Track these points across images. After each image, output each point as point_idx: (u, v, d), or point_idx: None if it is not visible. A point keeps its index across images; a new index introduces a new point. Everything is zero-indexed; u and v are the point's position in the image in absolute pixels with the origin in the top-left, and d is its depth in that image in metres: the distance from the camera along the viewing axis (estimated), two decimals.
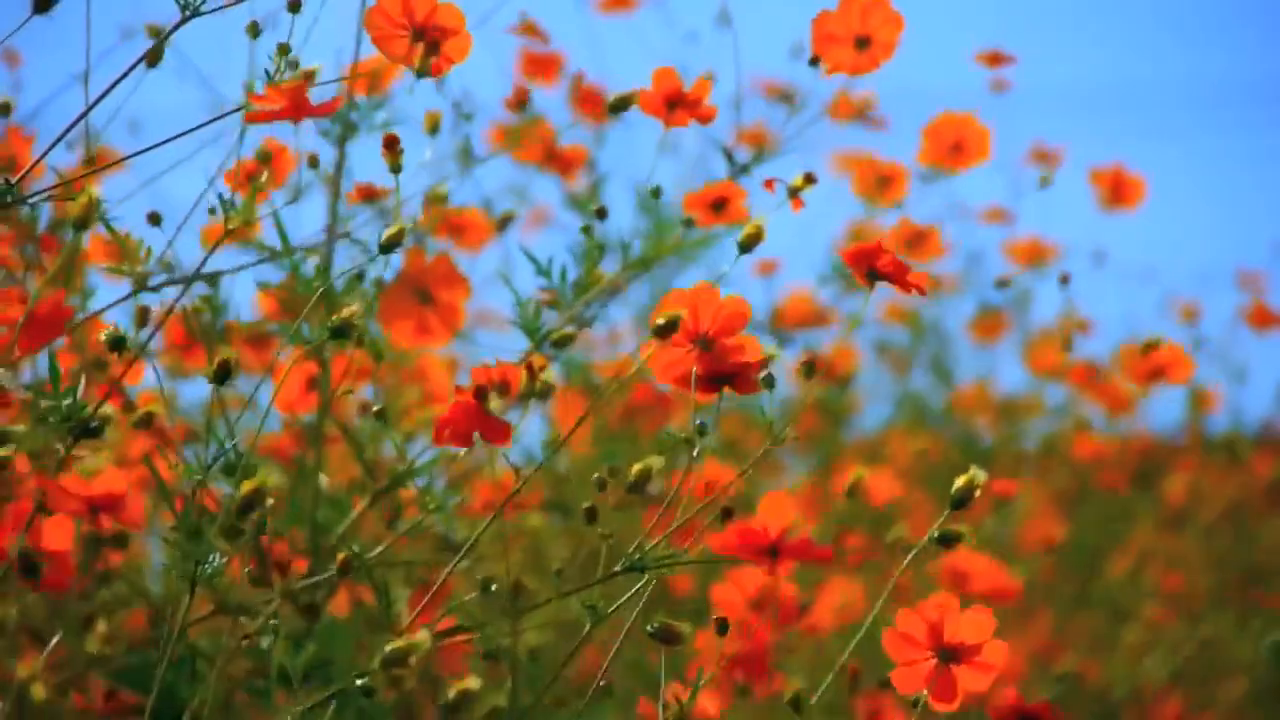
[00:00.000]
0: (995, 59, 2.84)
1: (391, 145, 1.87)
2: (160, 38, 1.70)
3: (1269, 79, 5.44)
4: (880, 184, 2.77)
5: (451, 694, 1.65)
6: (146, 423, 1.79)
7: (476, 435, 1.73)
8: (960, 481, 1.65)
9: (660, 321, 1.65)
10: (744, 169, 2.24)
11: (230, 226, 1.72)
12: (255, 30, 1.75)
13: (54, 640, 2.04)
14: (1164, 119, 5.54)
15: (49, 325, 1.73)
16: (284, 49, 1.69)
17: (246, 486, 1.63)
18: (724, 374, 1.66)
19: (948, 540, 1.64)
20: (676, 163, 3.13)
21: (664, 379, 1.66)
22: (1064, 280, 3.12)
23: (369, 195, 2.20)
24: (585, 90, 2.81)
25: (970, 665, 1.58)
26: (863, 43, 1.94)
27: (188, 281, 1.92)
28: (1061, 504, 4.05)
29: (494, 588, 1.80)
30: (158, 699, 1.74)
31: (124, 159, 1.78)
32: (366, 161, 2.25)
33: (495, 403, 1.73)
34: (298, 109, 1.68)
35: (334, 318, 1.66)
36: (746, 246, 1.67)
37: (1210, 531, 4.01)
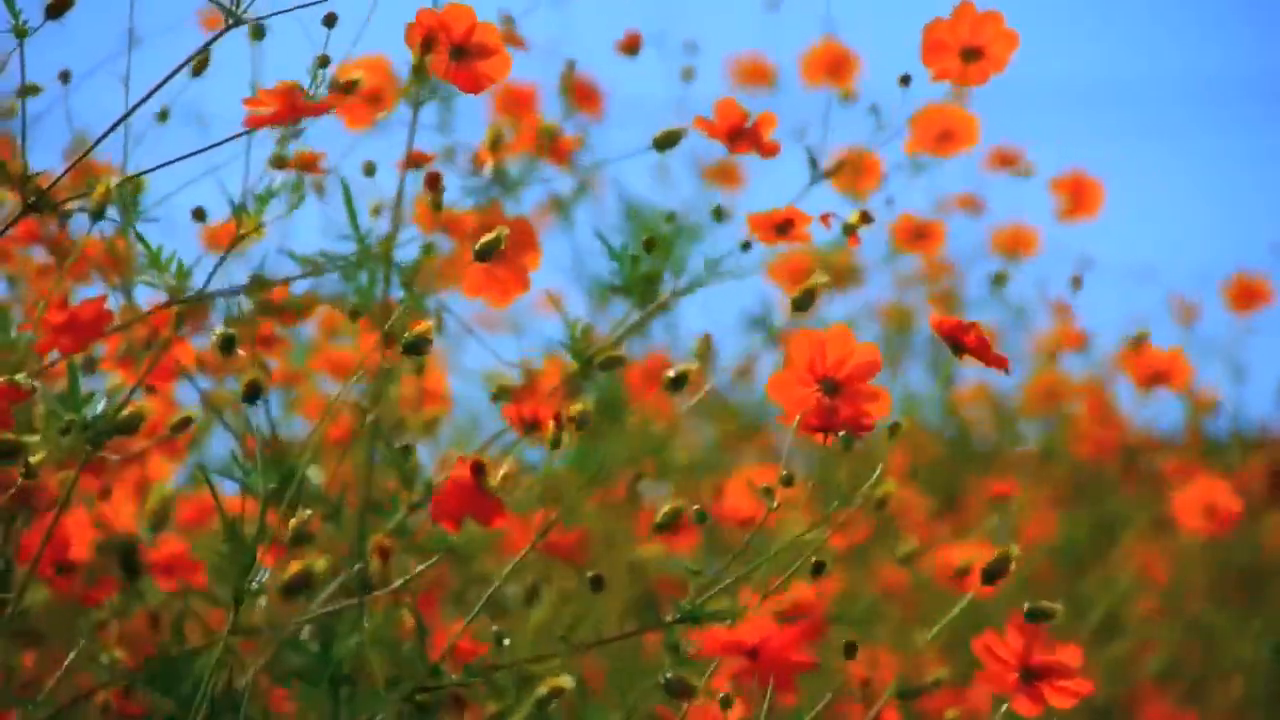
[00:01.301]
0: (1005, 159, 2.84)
1: (434, 184, 1.89)
2: (203, 46, 1.68)
3: (1267, 77, 5.45)
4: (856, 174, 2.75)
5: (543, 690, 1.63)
6: (184, 427, 1.77)
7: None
8: (996, 554, 1.66)
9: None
10: (826, 176, 2.24)
11: (243, 232, 1.70)
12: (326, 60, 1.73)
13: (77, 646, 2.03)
14: (1162, 117, 5.54)
15: (89, 328, 1.71)
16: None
17: (295, 568, 1.61)
18: (834, 427, 1.65)
19: (1038, 615, 1.63)
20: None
21: (789, 415, 1.65)
22: (1076, 284, 3.10)
23: (420, 162, 2.22)
24: (579, 83, 2.79)
25: (1055, 687, 1.60)
26: (972, 54, 1.95)
27: (234, 293, 1.90)
28: (1059, 502, 4.05)
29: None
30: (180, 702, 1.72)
31: (150, 170, 1.77)
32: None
33: (491, 481, 1.72)
34: (292, 111, 1.66)
35: (408, 333, 1.64)
36: (801, 305, 1.66)
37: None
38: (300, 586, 1.60)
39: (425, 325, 1.65)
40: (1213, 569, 3.94)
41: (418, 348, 1.66)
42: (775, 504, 1.65)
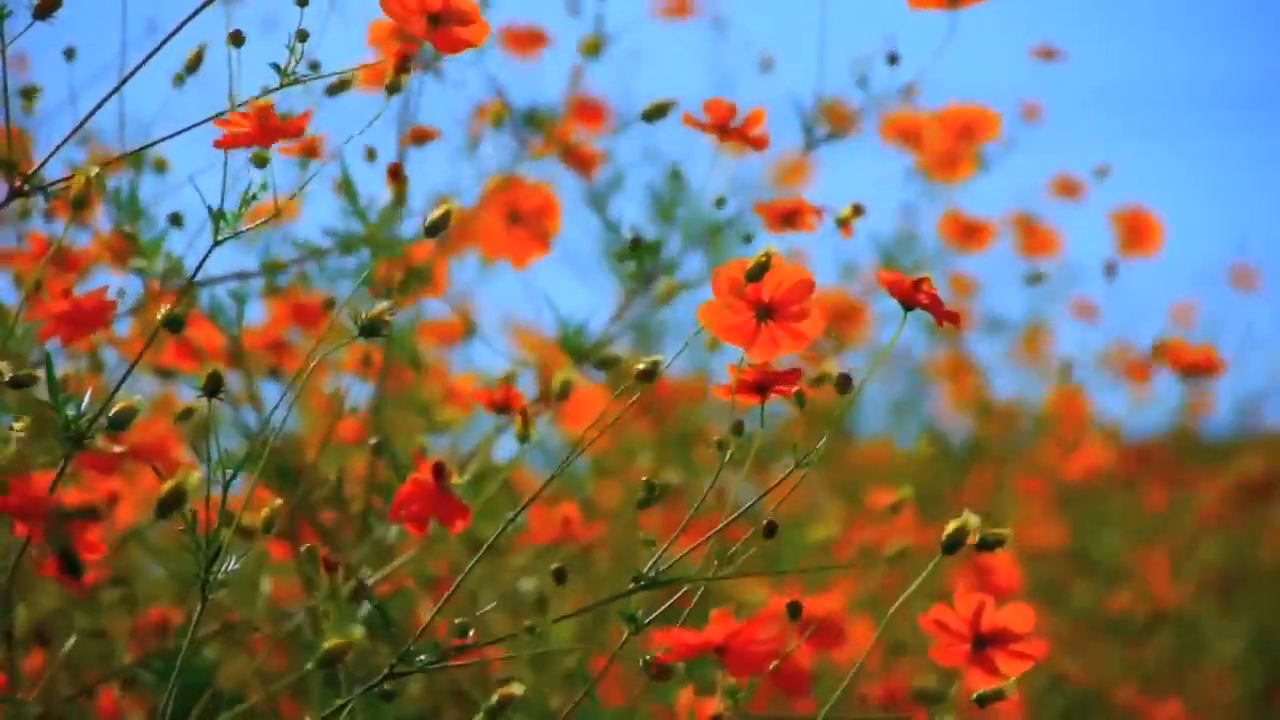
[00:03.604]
0: (1048, 54, 2.85)
1: (395, 175, 1.90)
2: (179, 26, 1.68)
3: (1269, 79, 5.45)
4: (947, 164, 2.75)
5: (494, 699, 1.62)
6: (186, 418, 1.76)
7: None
8: (951, 527, 1.62)
9: (641, 367, 1.65)
10: (819, 143, 2.26)
11: (221, 237, 1.68)
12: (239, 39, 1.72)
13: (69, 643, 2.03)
14: (1164, 119, 5.54)
15: (92, 317, 1.70)
16: (302, 35, 1.68)
17: (166, 485, 1.59)
18: (768, 383, 1.64)
19: (989, 544, 1.61)
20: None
21: (726, 339, 1.63)
22: (1110, 270, 3.09)
23: (424, 137, 2.22)
24: (587, 101, 2.80)
25: (1008, 652, 1.59)
26: None
27: (240, 278, 1.90)
28: (1053, 505, 4.06)
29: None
30: (176, 700, 1.71)
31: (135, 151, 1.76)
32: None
33: (455, 480, 1.71)
34: (265, 133, 1.66)
35: (365, 315, 1.63)
36: (755, 276, 1.64)
37: (1197, 532, 4.03)
38: (172, 507, 1.58)
39: (382, 308, 1.64)
40: (1201, 568, 3.95)
41: (374, 330, 1.64)
42: (727, 457, 1.63)
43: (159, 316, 1.62)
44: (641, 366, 1.64)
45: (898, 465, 3.97)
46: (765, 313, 1.62)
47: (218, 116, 1.66)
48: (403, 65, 1.72)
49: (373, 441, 2.04)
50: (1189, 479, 4.20)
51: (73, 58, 2.00)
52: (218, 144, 1.65)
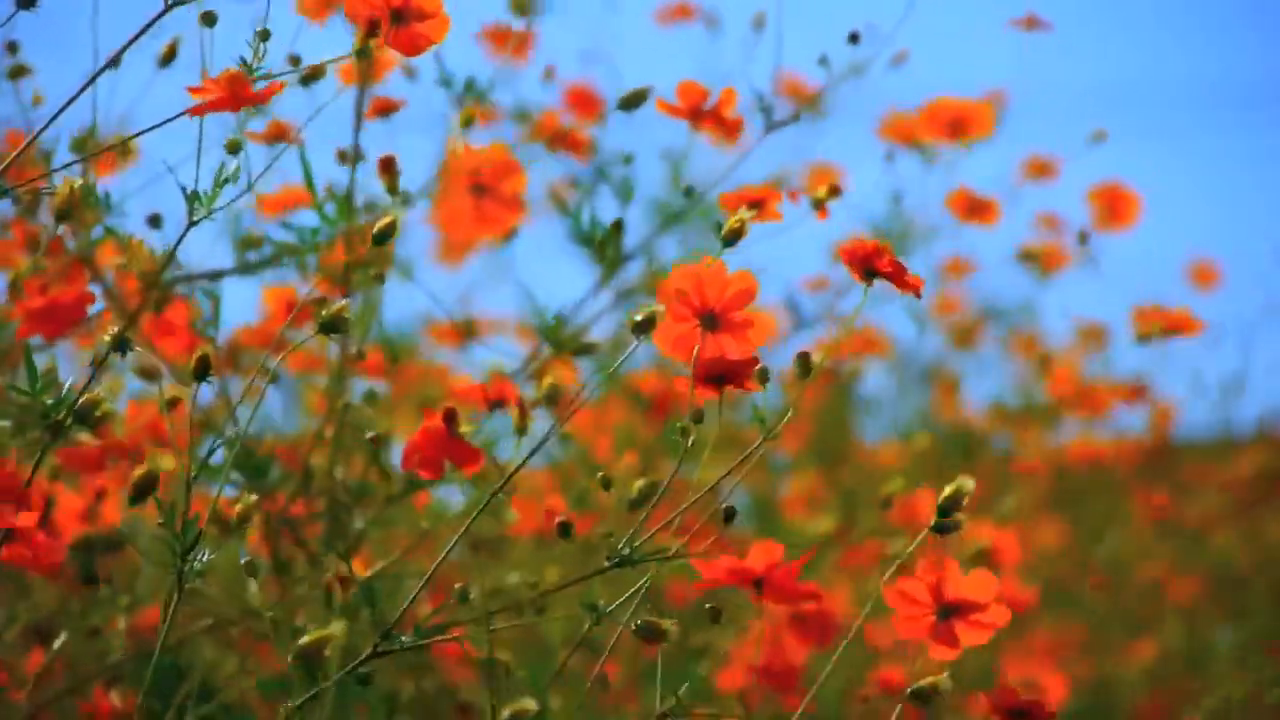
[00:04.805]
0: (1031, 23, 2.85)
1: (389, 167, 1.90)
2: (140, 31, 1.68)
3: (1267, 79, 5.45)
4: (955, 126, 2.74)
5: (506, 713, 1.62)
6: (173, 406, 1.77)
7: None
8: (947, 490, 1.62)
9: (639, 318, 1.63)
10: (780, 125, 2.26)
11: (196, 218, 1.68)
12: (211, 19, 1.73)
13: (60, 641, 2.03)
14: (1163, 119, 5.54)
15: (70, 313, 1.71)
16: (263, 34, 1.68)
17: (139, 471, 1.59)
18: (723, 373, 1.63)
19: (944, 529, 1.61)
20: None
21: (671, 354, 1.63)
22: (1083, 238, 3.09)
23: (387, 109, 2.22)
24: (578, 89, 2.79)
25: (971, 622, 1.58)
26: None
27: (218, 276, 1.90)
28: (1054, 507, 4.06)
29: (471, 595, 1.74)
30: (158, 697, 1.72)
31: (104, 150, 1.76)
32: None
33: (465, 427, 1.71)
34: (236, 100, 1.66)
35: (324, 312, 1.63)
36: (729, 241, 1.64)
37: (1198, 533, 4.03)
38: (146, 491, 1.58)
39: (341, 305, 1.63)
40: (1201, 570, 3.95)
41: (334, 327, 1.64)
42: (689, 443, 1.63)
43: (106, 336, 1.62)
44: (639, 317, 1.62)
45: (899, 462, 3.97)
46: (710, 321, 1.61)
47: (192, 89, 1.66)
48: (371, 31, 1.71)
49: (369, 435, 2.04)
50: (1190, 479, 4.20)
51: (22, 75, 2.02)
52: (191, 111, 1.65)
